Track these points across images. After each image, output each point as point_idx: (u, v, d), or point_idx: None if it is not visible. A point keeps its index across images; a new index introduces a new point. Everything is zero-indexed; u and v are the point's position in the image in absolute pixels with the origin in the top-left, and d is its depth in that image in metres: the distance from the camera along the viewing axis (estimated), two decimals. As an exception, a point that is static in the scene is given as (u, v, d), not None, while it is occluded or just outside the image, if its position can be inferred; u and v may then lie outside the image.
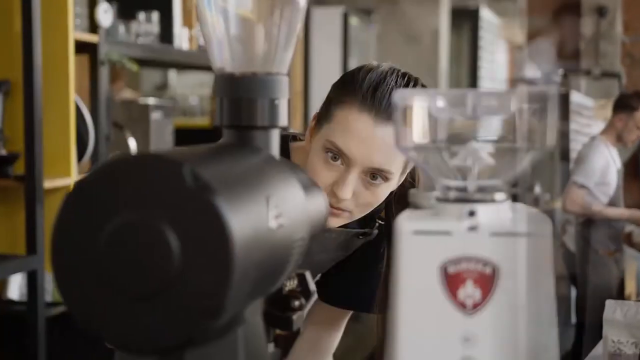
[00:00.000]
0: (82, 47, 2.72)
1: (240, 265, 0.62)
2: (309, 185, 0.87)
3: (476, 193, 0.72)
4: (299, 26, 0.86)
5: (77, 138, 2.66)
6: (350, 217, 1.28)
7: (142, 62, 3.28)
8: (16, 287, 2.67)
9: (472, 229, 0.68)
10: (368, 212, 1.29)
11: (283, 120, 0.84)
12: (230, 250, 0.61)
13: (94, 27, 2.76)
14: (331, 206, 1.24)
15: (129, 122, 3.24)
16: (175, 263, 0.61)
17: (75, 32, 2.65)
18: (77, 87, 2.69)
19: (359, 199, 1.25)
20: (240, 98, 0.83)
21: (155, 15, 3.15)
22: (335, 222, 1.28)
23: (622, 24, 9.88)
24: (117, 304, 0.63)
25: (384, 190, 1.26)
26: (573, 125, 7.23)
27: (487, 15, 7.78)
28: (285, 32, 0.85)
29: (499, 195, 0.72)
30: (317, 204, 0.87)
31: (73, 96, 2.60)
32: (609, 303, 2.01)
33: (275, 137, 0.85)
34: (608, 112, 8.83)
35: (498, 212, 0.71)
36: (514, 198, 0.73)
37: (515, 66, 10.04)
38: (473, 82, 7.83)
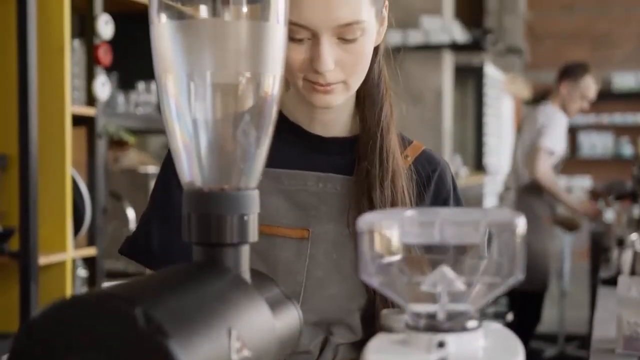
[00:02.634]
0: (79, 120, 2.72)
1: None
2: (280, 301, 0.85)
3: (446, 322, 0.69)
4: (268, 141, 0.85)
5: (74, 212, 2.64)
6: (348, 88, 1.17)
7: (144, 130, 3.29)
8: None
9: (441, 363, 0.66)
10: (364, 74, 1.17)
11: (253, 236, 0.82)
12: (180, 403, 0.58)
13: (91, 99, 2.76)
14: (320, 85, 1.14)
15: (130, 191, 3.23)
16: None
17: (73, 106, 2.65)
18: (74, 159, 2.69)
19: (345, 64, 1.14)
20: (209, 214, 0.81)
21: (154, 85, 3.16)
22: (333, 99, 1.16)
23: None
24: None
25: (366, 44, 1.14)
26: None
27: (491, 71, 7.81)
28: (254, 147, 0.84)
29: (471, 323, 0.69)
30: (288, 322, 0.84)
31: (70, 170, 2.59)
32: (622, 279, 1.87)
33: (245, 253, 0.82)
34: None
35: (470, 342, 0.68)
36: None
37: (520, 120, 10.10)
38: (478, 138, 7.83)
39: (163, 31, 0.80)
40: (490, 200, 7.57)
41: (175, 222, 1.00)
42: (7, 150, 2.55)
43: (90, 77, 2.75)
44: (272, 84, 0.84)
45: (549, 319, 6.46)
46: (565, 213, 4.93)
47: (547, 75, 10.42)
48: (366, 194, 1.19)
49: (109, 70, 2.88)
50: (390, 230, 0.70)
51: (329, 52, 1.11)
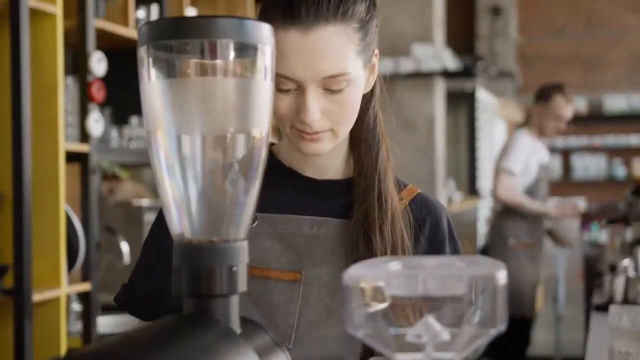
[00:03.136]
0: (73, 156, 2.74)
1: None
2: (270, 349, 0.86)
3: (431, 372, 0.71)
4: (256, 192, 0.87)
5: (68, 247, 2.66)
6: (336, 136, 1.18)
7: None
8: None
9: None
10: (351, 122, 1.18)
11: (242, 286, 0.84)
12: None
13: (85, 135, 2.79)
14: (307, 133, 1.15)
15: (124, 224, 3.24)
16: None
17: (67, 143, 2.67)
18: (68, 195, 2.70)
19: (332, 114, 1.15)
20: (199, 266, 0.82)
21: (147, 120, 3.18)
22: (320, 147, 1.18)
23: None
24: None
25: (353, 93, 1.16)
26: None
27: (483, 96, 7.86)
28: (243, 198, 0.86)
29: (456, 373, 0.71)
30: (278, 370, 0.86)
31: (63, 206, 2.61)
32: (613, 309, 1.86)
33: (234, 303, 0.84)
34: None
35: (454, 392, 0.70)
36: None
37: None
38: (471, 162, 7.86)
39: (153, 89, 0.83)
40: (484, 224, 7.59)
41: (163, 273, 1.02)
42: (1, 187, 2.56)
43: (83, 113, 2.77)
44: (260, 137, 0.86)
45: (545, 342, 6.46)
46: (555, 227, 4.98)
47: (539, 99, 10.49)
48: (364, 238, 1.20)
49: (102, 105, 2.90)
50: (376, 283, 0.72)
51: (315, 103, 1.13)
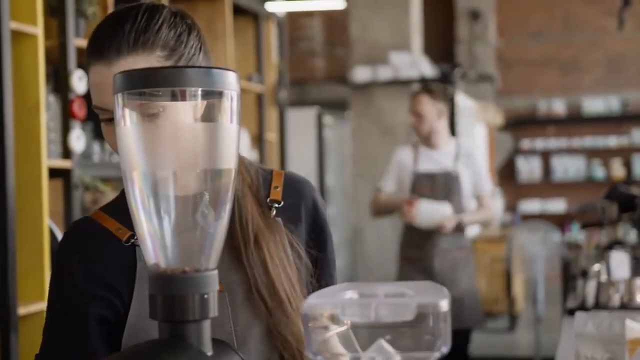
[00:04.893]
0: (55, 173, 2.80)
1: None
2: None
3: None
4: (225, 224, 0.94)
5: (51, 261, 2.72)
6: None
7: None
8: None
9: None
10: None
11: (214, 311, 0.91)
12: None
13: (67, 152, 2.85)
14: None
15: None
16: None
17: (49, 159, 2.73)
18: (51, 210, 2.76)
19: None
20: (173, 295, 0.89)
21: (128, 133, 3.24)
22: None
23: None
24: None
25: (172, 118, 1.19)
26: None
27: (462, 100, 7.95)
28: (213, 231, 0.93)
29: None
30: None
31: (47, 221, 2.67)
32: (579, 315, 1.92)
33: (206, 327, 0.91)
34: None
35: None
36: None
37: (495, 146, 10.27)
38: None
39: (128, 132, 0.90)
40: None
41: (79, 328, 1.05)
42: (-15, 203, 2.62)
43: (65, 130, 2.83)
44: (228, 172, 0.93)
45: (525, 342, 6.56)
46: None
47: (518, 102, 10.62)
48: (236, 257, 1.25)
49: (83, 121, 2.96)
50: (332, 311, 0.79)
51: None
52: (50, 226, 2.72)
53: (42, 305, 2.67)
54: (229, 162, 0.92)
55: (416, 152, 4.17)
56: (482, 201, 4.11)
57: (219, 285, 1.24)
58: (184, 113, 0.91)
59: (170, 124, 0.91)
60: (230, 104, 0.91)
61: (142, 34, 1.19)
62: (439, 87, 4.30)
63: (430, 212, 3.95)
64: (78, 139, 2.84)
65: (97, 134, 3.20)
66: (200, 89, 0.88)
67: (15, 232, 2.54)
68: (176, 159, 0.90)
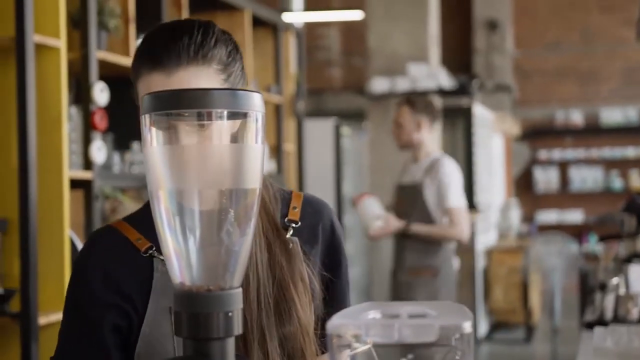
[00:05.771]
0: (77, 183, 2.83)
1: None
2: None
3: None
4: (249, 242, 0.95)
5: (72, 271, 2.74)
6: None
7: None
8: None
9: None
10: None
11: (238, 329, 0.92)
12: None
13: (88, 163, 2.87)
14: None
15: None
16: None
17: (71, 170, 2.76)
18: (72, 220, 2.79)
19: None
20: (198, 313, 0.91)
21: (148, 144, 3.27)
22: None
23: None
24: None
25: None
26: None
27: (480, 111, 7.95)
28: (238, 249, 0.94)
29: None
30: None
31: (68, 232, 2.69)
32: (598, 330, 1.93)
33: (230, 345, 0.92)
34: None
35: None
36: None
37: (512, 156, 10.26)
38: (469, 176, 7.93)
39: (154, 152, 0.91)
40: (482, 237, 7.67)
41: (95, 337, 1.06)
42: (7, 214, 2.65)
43: (87, 142, 2.86)
44: (253, 191, 0.94)
45: (542, 354, 6.54)
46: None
47: (536, 112, 10.59)
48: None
49: (104, 132, 2.99)
50: (356, 332, 0.80)
51: (185, 140, 1.20)
52: (71, 237, 2.75)
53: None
54: (254, 182, 0.93)
55: (405, 165, 4.22)
56: (451, 217, 3.95)
57: None
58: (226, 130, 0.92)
59: (195, 145, 0.92)
60: (255, 125, 0.92)
61: (200, 48, 1.22)
62: (423, 100, 4.26)
63: (367, 210, 3.93)
64: (99, 150, 2.87)
65: (118, 145, 3.23)
66: (226, 110, 0.90)
67: (37, 242, 2.57)
68: (201, 178, 0.91)
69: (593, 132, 10.37)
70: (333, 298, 1.35)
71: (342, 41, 10.19)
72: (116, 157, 3.18)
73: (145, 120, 0.91)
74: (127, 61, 3.13)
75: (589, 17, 10.27)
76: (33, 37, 2.55)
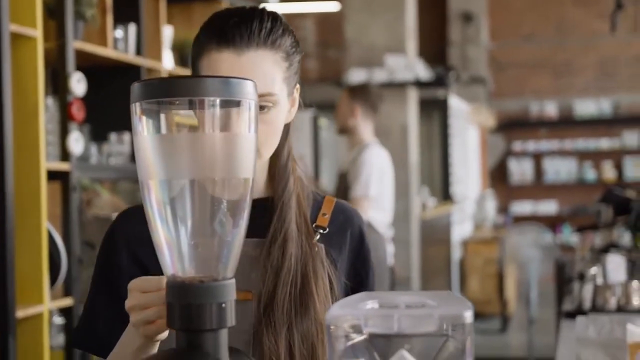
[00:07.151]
0: (54, 175, 2.79)
1: None
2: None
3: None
4: (242, 234, 0.94)
5: (50, 264, 2.71)
6: (260, 157, 1.22)
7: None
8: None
9: None
10: (274, 145, 1.25)
11: (231, 321, 0.91)
12: None
13: (65, 154, 2.84)
14: None
15: (102, 238, 3.28)
16: None
17: (48, 162, 2.72)
18: (49, 212, 2.75)
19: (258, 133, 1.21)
20: (190, 304, 0.89)
21: (126, 136, 3.24)
22: None
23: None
24: None
25: (277, 116, 1.23)
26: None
27: (455, 102, 7.97)
28: (231, 239, 0.93)
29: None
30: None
31: (45, 224, 2.66)
32: (580, 320, 1.92)
33: (224, 336, 0.91)
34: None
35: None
36: None
37: (487, 148, 10.30)
38: (445, 168, 7.96)
39: (145, 142, 0.90)
40: (457, 228, 7.71)
41: (120, 305, 1.05)
42: (-17, 206, 2.60)
43: (64, 133, 2.82)
44: (245, 181, 0.93)
45: (518, 344, 6.58)
46: None
47: (511, 104, 10.64)
48: (262, 257, 1.26)
49: (81, 123, 2.96)
50: (355, 322, 0.79)
51: None
52: (49, 229, 2.71)
53: (41, 308, 2.66)
54: (247, 172, 0.92)
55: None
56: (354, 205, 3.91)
57: (249, 294, 1.24)
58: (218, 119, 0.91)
59: (187, 134, 0.91)
60: (248, 113, 0.91)
61: (270, 33, 1.23)
62: (363, 88, 4.28)
63: None
64: (76, 142, 2.83)
65: (96, 136, 3.19)
66: (218, 98, 0.88)
67: (14, 234, 2.53)
68: (193, 167, 0.90)
69: (567, 123, 10.43)
70: None
71: (318, 32, 10.17)
72: (93, 149, 3.15)
73: (136, 108, 0.89)
74: (104, 51, 3.09)
75: (563, 10, 10.33)
76: (9, 27, 2.51)
